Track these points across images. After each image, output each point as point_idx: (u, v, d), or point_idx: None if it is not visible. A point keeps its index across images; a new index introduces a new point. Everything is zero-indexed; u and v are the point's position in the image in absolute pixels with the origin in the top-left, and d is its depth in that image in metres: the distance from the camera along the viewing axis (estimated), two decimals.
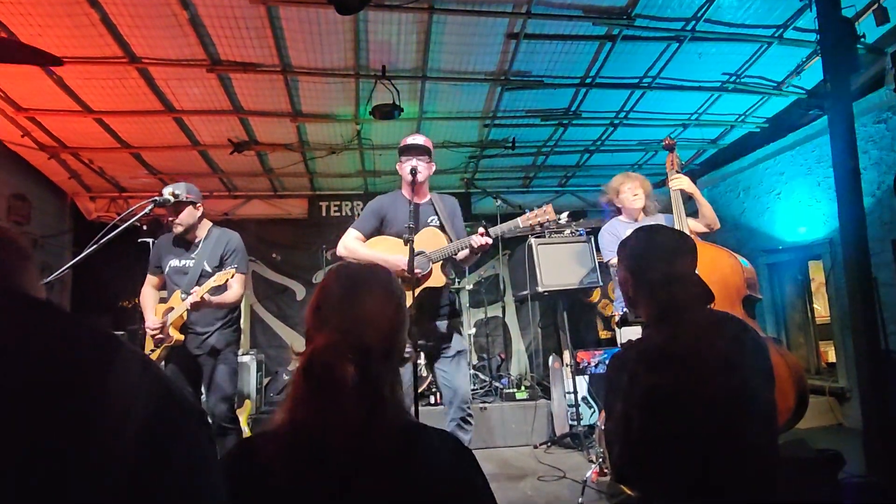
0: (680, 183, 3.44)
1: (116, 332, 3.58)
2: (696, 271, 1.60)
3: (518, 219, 2.90)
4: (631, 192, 3.71)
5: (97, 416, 0.46)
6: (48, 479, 0.42)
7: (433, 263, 2.94)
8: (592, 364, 2.98)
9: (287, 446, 1.04)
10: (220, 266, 3.31)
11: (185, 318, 3.20)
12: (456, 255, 2.94)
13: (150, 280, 3.50)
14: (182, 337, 3.20)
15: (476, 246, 2.83)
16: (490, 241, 2.83)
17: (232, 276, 3.15)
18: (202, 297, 3.06)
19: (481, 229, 2.84)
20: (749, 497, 1.33)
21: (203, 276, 3.25)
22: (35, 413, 0.43)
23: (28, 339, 0.47)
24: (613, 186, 3.77)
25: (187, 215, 3.32)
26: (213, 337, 3.30)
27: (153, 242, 3.57)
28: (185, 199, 3.27)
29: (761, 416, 1.42)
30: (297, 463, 1.02)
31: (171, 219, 3.31)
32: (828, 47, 3.46)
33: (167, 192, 3.23)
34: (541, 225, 2.87)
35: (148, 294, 3.47)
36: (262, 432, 1.12)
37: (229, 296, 3.29)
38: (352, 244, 3.15)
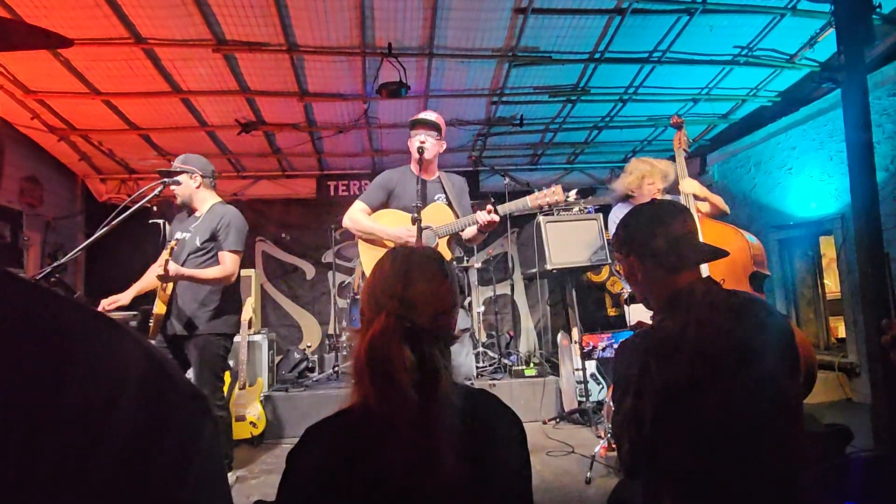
0: (690, 187, 3.35)
1: (130, 312, 3.64)
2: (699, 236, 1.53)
3: (527, 198, 2.88)
4: (654, 186, 3.63)
5: (78, 400, 0.43)
6: (19, 468, 0.39)
7: (439, 238, 2.95)
8: (600, 348, 2.99)
9: (357, 426, 1.08)
10: (212, 240, 3.27)
11: (168, 292, 3.19)
12: (462, 230, 2.95)
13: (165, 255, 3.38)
14: (161, 312, 3.17)
15: (483, 222, 2.83)
16: (497, 218, 2.82)
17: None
18: (166, 269, 2.92)
19: (489, 206, 2.84)
20: (772, 496, 1.26)
21: (192, 252, 3.23)
22: (8, 397, 0.41)
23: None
24: (636, 177, 3.65)
25: (182, 187, 3.28)
26: (202, 316, 3.23)
27: (163, 224, 3.59)
28: (176, 169, 3.26)
29: (787, 407, 1.33)
30: (368, 441, 1.06)
31: (170, 190, 3.29)
32: (842, 18, 3.39)
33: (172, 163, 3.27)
34: (549, 205, 2.86)
35: (149, 271, 3.36)
36: (324, 421, 1.17)
37: (212, 271, 3.20)
38: (356, 216, 3.16)
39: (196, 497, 0.49)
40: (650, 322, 1.98)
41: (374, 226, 3.10)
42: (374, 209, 3.18)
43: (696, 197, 3.31)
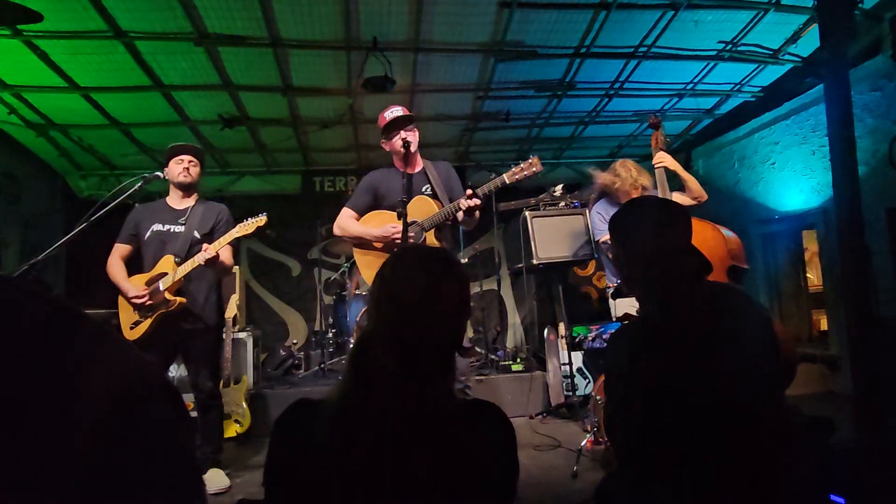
0: (662, 160, 3.39)
1: (112, 310, 3.58)
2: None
3: (504, 174, 2.84)
4: (636, 192, 3.65)
5: (43, 395, 0.42)
6: None
7: (426, 232, 2.93)
8: (590, 339, 2.98)
9: (332, 423, 1.06)
10: (210, 234, 3.27)
11: (182, 283, 3.18)
12: (448, 219, 2.93)
13: (120, 250, 3.32)
14: (184, 300, 3.16)
15: (465, 207, 2.80)
16: (478, 201, 2.79)
17: (255, 227, 3.14)
18: (218, 253, 3.05)
19: (469, 190, 2.82)
20: (758, 475, 1.29)
21: (194, 244, 3.22)
22: None
23: None
24: (610, 179, 3.68)
25: (199, 170, 3.40)
26: (211, 310, 3.31)
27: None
28: (202, 151, 3.42)
29: (768, 391, 1.38)
30: (338, 441, 1.04)
31: (188, 160, 3.32)
32: (825, 13, 3.42)
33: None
34: (527, 177, 2.81)
35: (118, 265, 3.29)
36: (316, 401, 1.14)
37: (227, 260, 3.28)
38: (344, 222, 3.17)
39: (168, 484, 0.49)
40: (636, 314, 2.00)
41: (360, 229, 3.11)
42: (362, 213, 3.17)
43: (668, 171, 3.35)
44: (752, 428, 1.31)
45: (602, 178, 3.75)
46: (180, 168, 3.30)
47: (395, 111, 3.12)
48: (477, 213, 2.96)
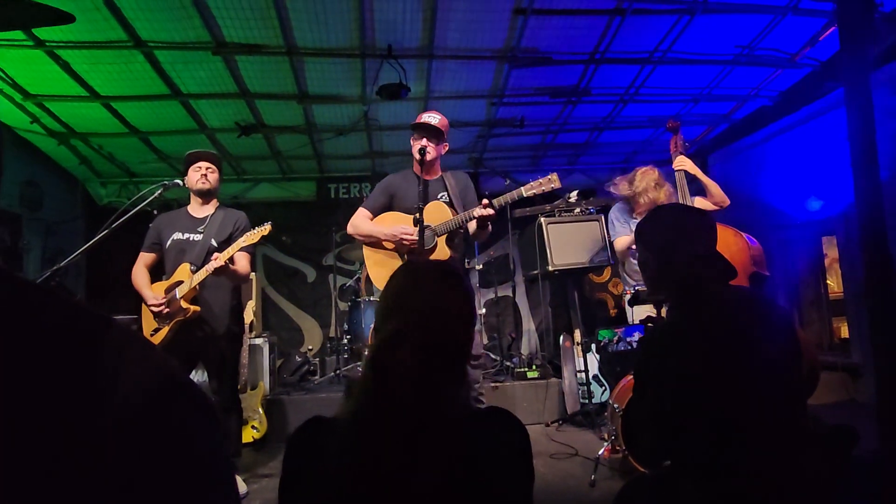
0: (682, 164, 3.39)
1: (131, 316, 3.63)
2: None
3: (521, 188, 2.86)
4: (644, 193, 3.66)
5: (84, 406, 0.42)
6: (18, 476, 0.38)
7: (438, 237, 2.94)
8: (614, 341, 2.96)
9: (346, 435, 1.07)
10: (228, 242, 3.31)
11: (198, 291, 3.21)
12: (461, 227, 2.94)
13: (144, 258, 3.42)
14: (198, 308, 3.19)
15: (478, 216, 2.81)
16: (492, 212, 2.80)
17: (260, 236, 3.17)
18: (225, 262, 3.07)
19: (485, 200, 2.83)
20: (782, 482, 1.30)
21: (210, 252, 3.25)
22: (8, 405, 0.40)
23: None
24: (630, 189, 3.71)
25: (218, 176, 3.44)
26: (227, 317, 3.34)
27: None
28: (220, 157, 3.45)
29: (792, 397, 1.39)
30: (352, 453, 1.05)
31: (205, 168, 3.37)
32: (844, 16, 3.38)
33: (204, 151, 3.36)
34: (544, 194, 2.83)
35: (141, 273, 3.38)
36: (329, 418, 1.16)
37: (242, 268, 3.31)
38: (357, 221, 3.22)
39: (202, 495, 0.49)
40: (655, 316, 2.00)
41: (372, 228, 3.15)
42: (377, 213, 3.21)
43: (687, 175, 3.34)
44: (777, 434, 1.32)
45: (621, 187, 3.77)
46: (198, 175, 3.34)
47: (428, 117, 3.16)
48: (490, 225, 2.97)
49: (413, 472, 1.02)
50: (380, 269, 3.18)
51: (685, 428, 1.34)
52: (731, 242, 2.77)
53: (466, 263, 5.51)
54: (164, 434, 0.46)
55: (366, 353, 4.94)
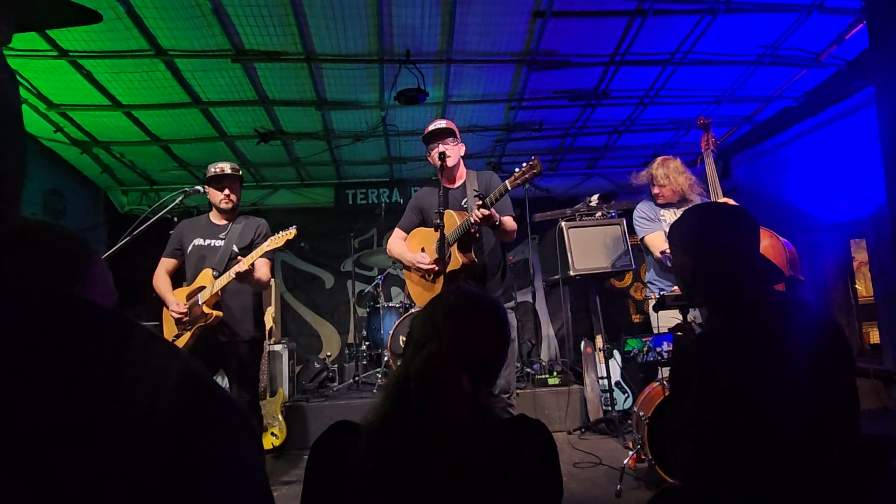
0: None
1: (152, 322, 3.65)
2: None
3: (506, 181, 2.77)
4: (664, 176, 3.63)
5: (115, 412, 0.42)
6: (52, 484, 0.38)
7: (450, 246, 2.92)
8: (644, 352, 2.90)
9: (371, 445, 1.06)
10: (249, 248, 3.32)
11: (220, 296, 3.21)
12: (470, 232, 2.90)
13: (165, 264, 3.44)
14: (221, 314, 3.20)
15: (476, 220, 2.76)
16: (486, 212, 2.75)
17: (285, 240, 3.17)
18: (250, 266, 3.08)
19: (477, 201, 2.80)
20: (832, 488, 1.24)
21: (233, 258, 3.26)
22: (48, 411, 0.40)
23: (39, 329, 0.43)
24: (650, 172, 3.67)
25: (240, 192, 3.44)
26: (249, 323, 3.33)
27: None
28: (241, 174, 3.41)
29: (845, 402, 1.31)
30: (378, 463, 1.04)
31: (226, 193, 3.35)
32: (873, 13, 3.29)
33: (224, 166, 3.34)
34: (528, 179, 2.73)
35: (163, 279, 3.40)
36: (355, 424, 1.16)
37: (263, 274, 3.31)
38: (392, 245, 3.34)
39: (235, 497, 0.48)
40: (684, 324, 1.93)
41: (401, 252, 3.26)
42: (409, 232, 3.27)
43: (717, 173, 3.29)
44: (828, 450, 1.24)
45: (642, 176, 3.72)
46: (221, 196, 3.36)
47: (437, 123, 3.14)
48: (504, 223, 2.92)
49: (440, 483, 1.00)
50: (417, 287, 3.27)
51: (728, 440, 1.27)
52: (766, 245, 2.69)
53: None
54: (196, 437, 0.45)
55: (394, 362, 4.93)
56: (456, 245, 2.93)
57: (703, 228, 1.49)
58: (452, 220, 2.96)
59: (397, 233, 3.34)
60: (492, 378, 1.24)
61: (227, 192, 3.35)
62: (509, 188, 2.76)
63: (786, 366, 1.28)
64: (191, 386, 0.48)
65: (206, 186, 3.36)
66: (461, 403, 1.05)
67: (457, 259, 2.92)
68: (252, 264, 3.13)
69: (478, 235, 2.99)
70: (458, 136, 3.20)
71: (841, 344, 1.35)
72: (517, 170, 2.77)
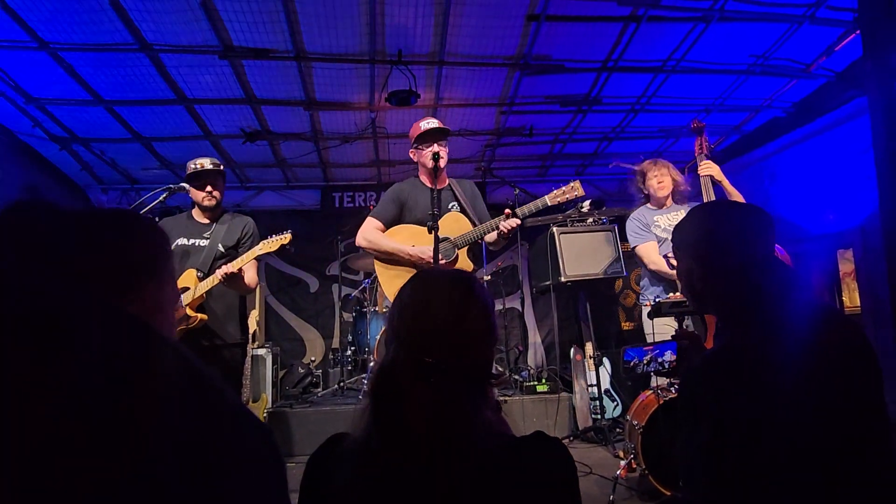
0: (709, 169, 3.33)
1: None
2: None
3: (545, 196, 2.78)
4: (657, 179, 3.63)
5: (134, 417, 0.39)
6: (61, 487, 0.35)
7: (458, 249, 2.85)
8: (644, 362, 2.84)
9: (359, 461, 0.98)
10: (235, 248, 3.22)
11: (204, 299, 3.10)
12: (482, 238, 2.85)
13: None
14: (205, 317, 3.08)
15: (506, 229, 2.73)
16: (518, 222, 2.74)
17: (279, 244, 3.08)
18: (239, 270, 2.96)
19: (508, 210, 2.75)
20: None
21: (218, 258, 3.15)
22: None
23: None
24: (640, 171, 3.68)
25: (223, 189, 3.29)
26: (233, 326, 3.22)
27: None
28: (223, 169, 3.26)
29: (881, 424, 1.17)
30: (367, 480, 0.95)
31: (208, 190, 3.21)
32: (866, 23, 3.30)
33: (204, 161, 3.20)
34: (568, 201, 2.75)
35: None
36: (348, 437, 1.05)
37: (250, 278, 3.19)
38: (372, 235, 3.09)
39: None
40: (687, 331, 1.84)
41: (391, 245, 3.04)
42: (388, 225, 3.11)
43: (713, 180, 3.28)
44: (861, 474, 1.13)
45: (634, 180, 3.72)
46: (203, 193, 3.24)
47: (432, 122, 3.08)
48: (510, 236, 2.91)
49: (433, 500, 0.92)
50: (396, 285, 3.08)
51: (755, 464, 1.13)
52: None
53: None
54: (207, 434, 0.43)
55: (373, 360, 4.83)
56: (465, 249, 2.87)
57: (714, 230, 1.35)
58: (460, 223, 2.90)
59: (374, 223, 3.13)
60: (481, 364, 1.07)
61: (209, 188, 3.23)
62: (549, 204, 2.82)
63: (813, 382, 1.16)
64: (202, 395, 0.45)
65: (188, 184, 3.25)
66: (415, 414, 0.94)
67: (466, 263, 2.86)
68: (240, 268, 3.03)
69: (481, 242, 2.95)
70: (448, 137, 3.18)
71: (871, 357, 1.22)
72: (556, 189, 2.82)
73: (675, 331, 2.05)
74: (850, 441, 1.14)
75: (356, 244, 3.20)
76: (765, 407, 1.14)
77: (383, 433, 0.97)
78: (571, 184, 2.76)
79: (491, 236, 2.87)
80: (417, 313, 1.04)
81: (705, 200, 3.16)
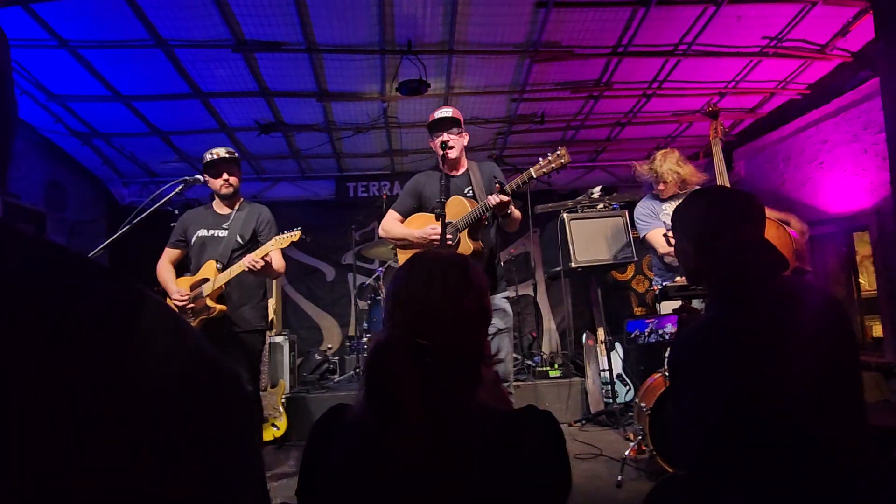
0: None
1: None
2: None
3: (531, 168, 2.72)
4: (669, 172, 3.61)
5: (121, 377, 0.39)
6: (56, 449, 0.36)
7: (459, 232, 2.89)
8: (645, 333, 2.88)
9: (361, 434, 1.03)
10: (253, 238, 3.30)
11: (224, 288, 3.19)
12: (482, 219, 2.87)
13: (169, 254, 3.43)
14: (224, 307, 3.18)
15: (493, 204, 2.72)
16: (506, 198, 2.71)
17: (289, 241, 3.13)
18: (265, 259, 3.03)
19: (497, 186, 2.77)
20: (840, 480, 1.20)
21: (236, 249, 3.24)
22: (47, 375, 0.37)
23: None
24: (653, 169, 3.66)
25: (239, 176, 3.37)
26: (254, 314, 3.31)
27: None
28: (237, 157, 3.35)
29: (851, 387, 1.28)
30: (368, 453, 1.01)
31: (224, 178, 3.30)
32: (880, 2, 3.26)
33: (219, 150, 3.29)
34: (555, 170, 2.69)
35: (166, 268, 3.39)
36: (350, 407, 1.10)
37: (277, 264, 3.27)
38: (388, 224, 3.22)
39: (238, 487, 0.46)
40: (691, 306, 1.89)
41: (403, 231, 3.14)
42: (406, 216, 3.21)
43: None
44: (839, 438, 1.20)
45: (643, 170, 3.70)
46: (220, 181, 3.33)
47: (443, 112, 3.11)
48: (514, 212, 2.90)
49: (432, 476, 0.97)
50: None
51: (734, 432, 1.23)
52: (773, 235, 2.67)
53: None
54: (198, 417, 0.43)
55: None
56: (466, 231, 2.90)
57: (707, 214, 1.45)
58: (463, 206, 2.93)
59: (393, 215, 3.24)
60: (476, 346, 1.09)
61: (225, 176, 3.31)
62: (534, 176, 2.69)
63: (790, 355, 1.24)
64: (200, 370, 0.45)
65: (204, 175, 3.34)
66: (408, 394, 0.97)
67: (467, 245, 2.90)
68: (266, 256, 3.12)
69: (486, 223, 2.97)
70: (463, 126, 3.19)
71: (847, 329, 1.32)
72: (542, 159, 2.71)
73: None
74: (824, 396, 1.22)
75: (378, 235, 3.33)
76: (743, 371, 1.23)
77: (378, 412, 1.00)
78: (558, 151, 2.65)
79: (510, 213, 2.89)
80: (412, 295, 1.08)
81: (718, 182, 3.16)
